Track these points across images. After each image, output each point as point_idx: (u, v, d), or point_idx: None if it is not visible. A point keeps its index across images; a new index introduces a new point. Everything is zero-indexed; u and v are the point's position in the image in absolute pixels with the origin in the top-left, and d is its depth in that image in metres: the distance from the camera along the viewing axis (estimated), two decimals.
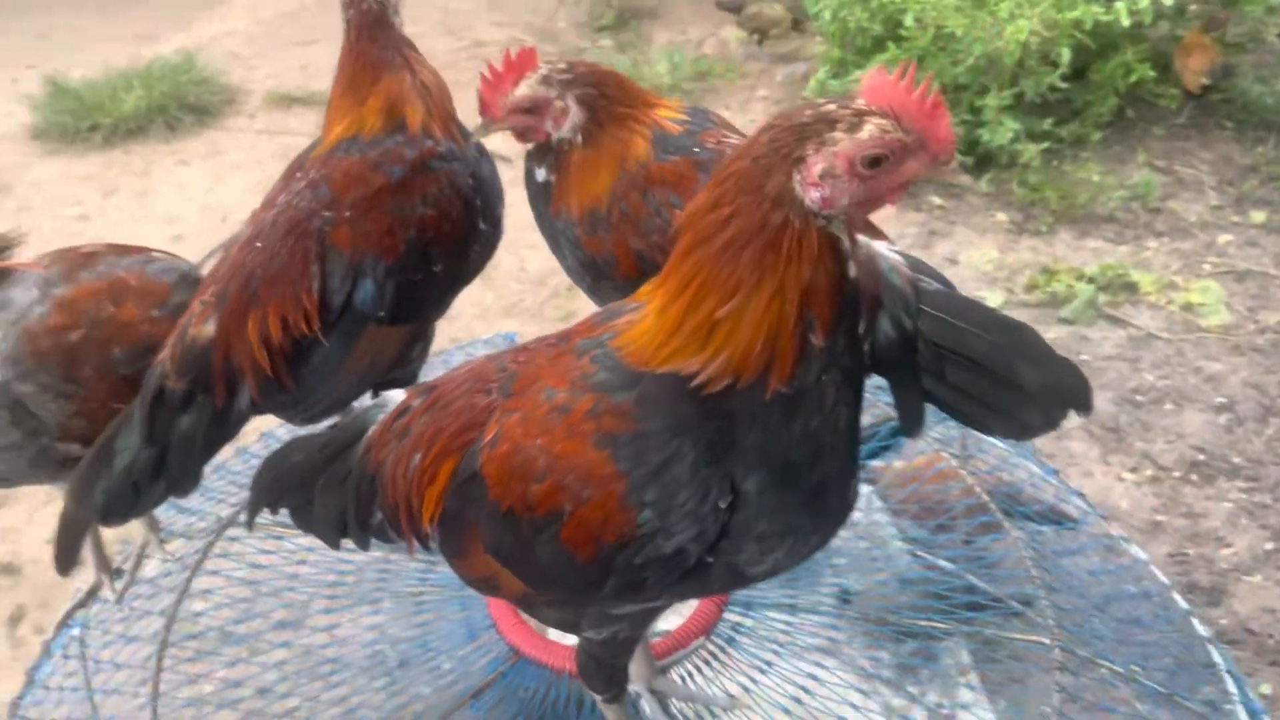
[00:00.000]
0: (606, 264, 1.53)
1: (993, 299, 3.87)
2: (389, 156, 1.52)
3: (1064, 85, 4.38)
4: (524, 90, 1.51)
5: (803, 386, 1.00)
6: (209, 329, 1.44)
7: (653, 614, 1.31)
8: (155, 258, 1.66)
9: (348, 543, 1.33)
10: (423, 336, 1.66)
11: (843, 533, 1.26)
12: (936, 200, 4.46)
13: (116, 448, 1.39)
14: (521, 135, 1.56)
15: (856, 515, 1.96)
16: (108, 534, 1.86)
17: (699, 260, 1.00)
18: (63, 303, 1.49)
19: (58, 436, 1.46)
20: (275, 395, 1.47)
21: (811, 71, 5.17)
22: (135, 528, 1.85)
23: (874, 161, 0.95)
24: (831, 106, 0.97)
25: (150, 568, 1.87)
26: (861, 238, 1.06)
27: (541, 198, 1.59)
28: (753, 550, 1.07)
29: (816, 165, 0.94)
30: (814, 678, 1.70)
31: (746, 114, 5.31)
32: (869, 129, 0.94)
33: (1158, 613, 1.80)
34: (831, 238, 0.97)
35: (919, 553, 1.97)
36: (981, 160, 4.44)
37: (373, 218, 1.48)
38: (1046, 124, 4.49)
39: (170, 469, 1.41)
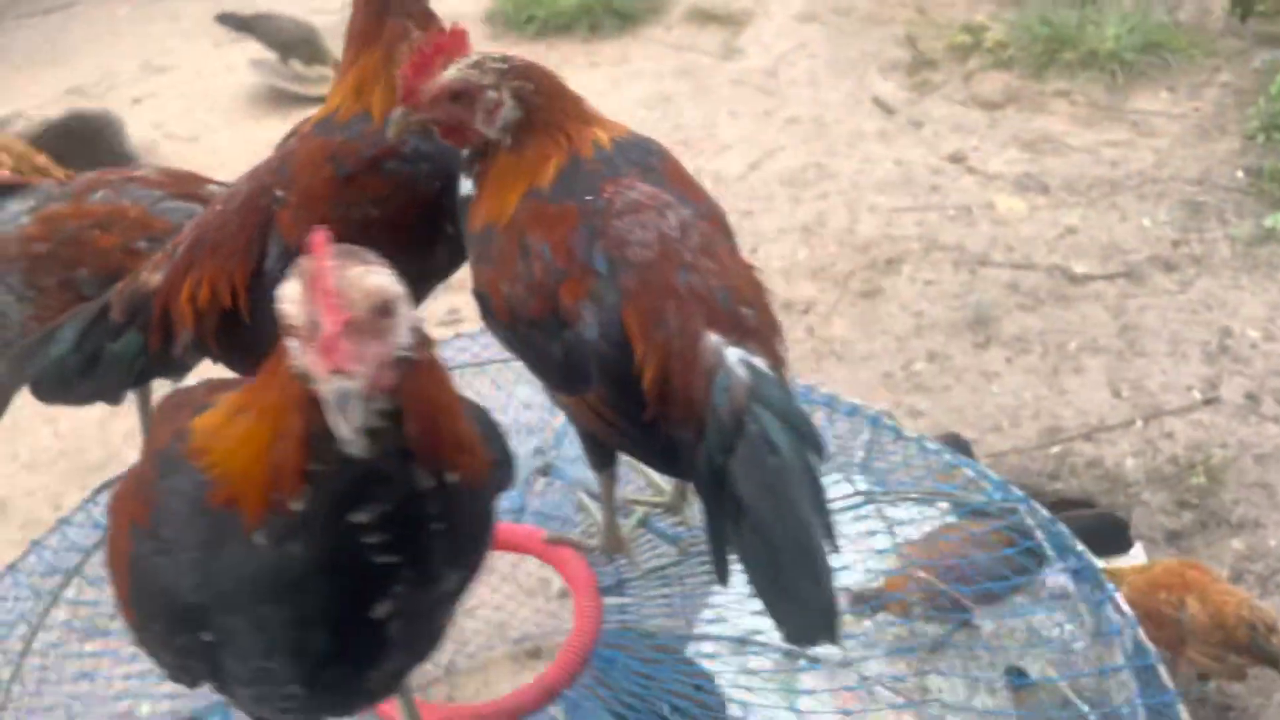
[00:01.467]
0: (482, 299, 1.38)
1: None
2: (344, 149, 1.45)
3: None
4: (454, 74, 1.32)
5: (274, 540, 0.94)
6: (156, 278, 1.48)
7: None
8: (170, 198, 1.71)
9: None
10: None
11: None
12: None
13: (57, 337, 1.47)
14: (448, 132, 1.36)
15: None
16: None
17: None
18: (44, 217, 1.65)
19: (20, 334, 1.62)
20: (204, 355, 1.48)
21: None
22: None
23: None
24: None
25: None
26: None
27: (464, 214, 1.42)
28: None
29: None
30: None
31: (1192, 101, 4.57)
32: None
33: None
34: (308, 393, 0.87)
35: None
36: None
37: (314, 208, 1.42)
38: None
39: (97, 378, 1.47)
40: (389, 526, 0.94)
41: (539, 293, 1.28)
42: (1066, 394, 3.29)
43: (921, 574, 1.99)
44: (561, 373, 1.32)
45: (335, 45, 5.51)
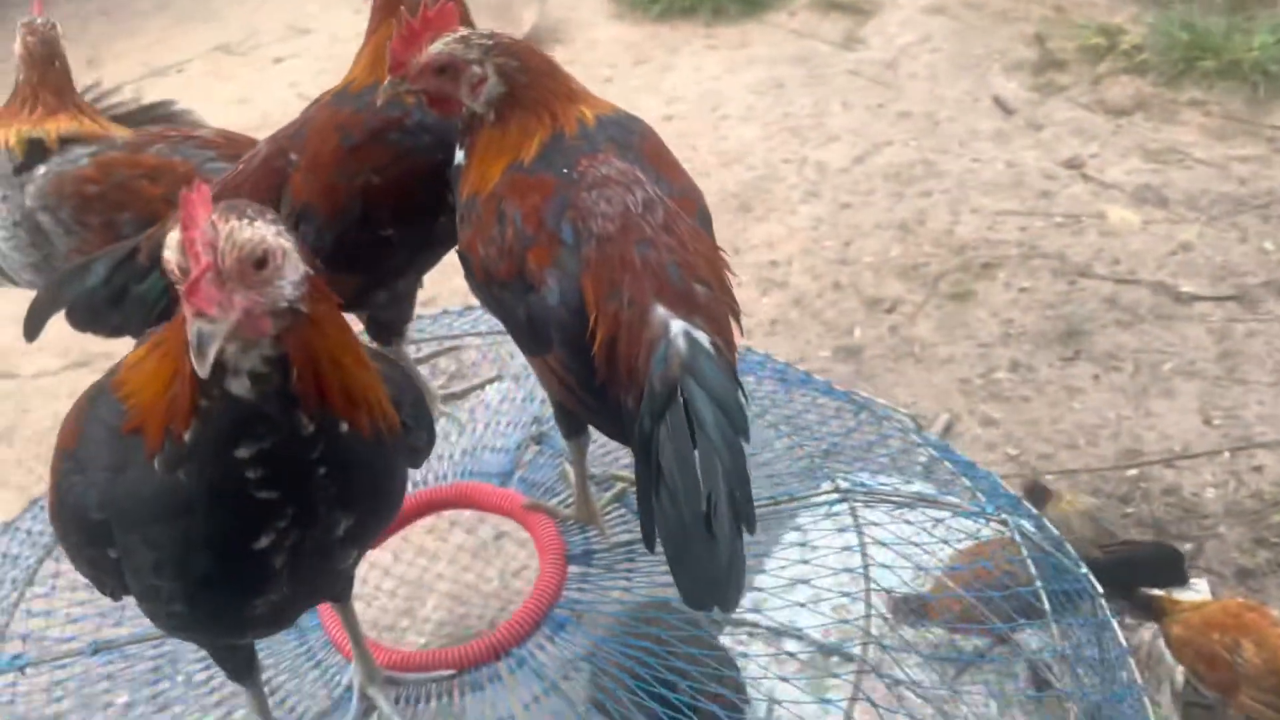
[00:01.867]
0: (464, 259, 1.45)
1: None
2: (352, 120, 1.52)
3: None
4: (439, 48, 1.38)
5: (167, 466, 1.02)
6: None
7: None
8: (220, 159, 1.83)
9: None
10: (384, 288, 1.65)
11: None
12: None
13: (91, 269, 1.57)
14: (435, 103, 1.43)
15: None
16: None
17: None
18: (101, 162, 1.80)
19: (63, 263, 1.77)
20: None
21: None
22: None
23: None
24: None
25: None
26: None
27: (456, 183, 1.47)
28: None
29: None
30: None
31: None
32: None
33: None
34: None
35: None
36: None
37: (319, 175, 1.51)
38: None
39: (123, 313, 1.57)
40: (269, 463, 1.01)
41: (509, 256, 1.34)
42: (1152, 416, 3.15)
43: (963, 585, 1.96)
44: (526, 333, 1.38)
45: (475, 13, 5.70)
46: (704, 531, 1.11)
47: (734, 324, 1.29)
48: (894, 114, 4.78)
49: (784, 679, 1.77)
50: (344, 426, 1.05)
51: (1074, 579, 1.64)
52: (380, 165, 1.52)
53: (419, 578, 2.79)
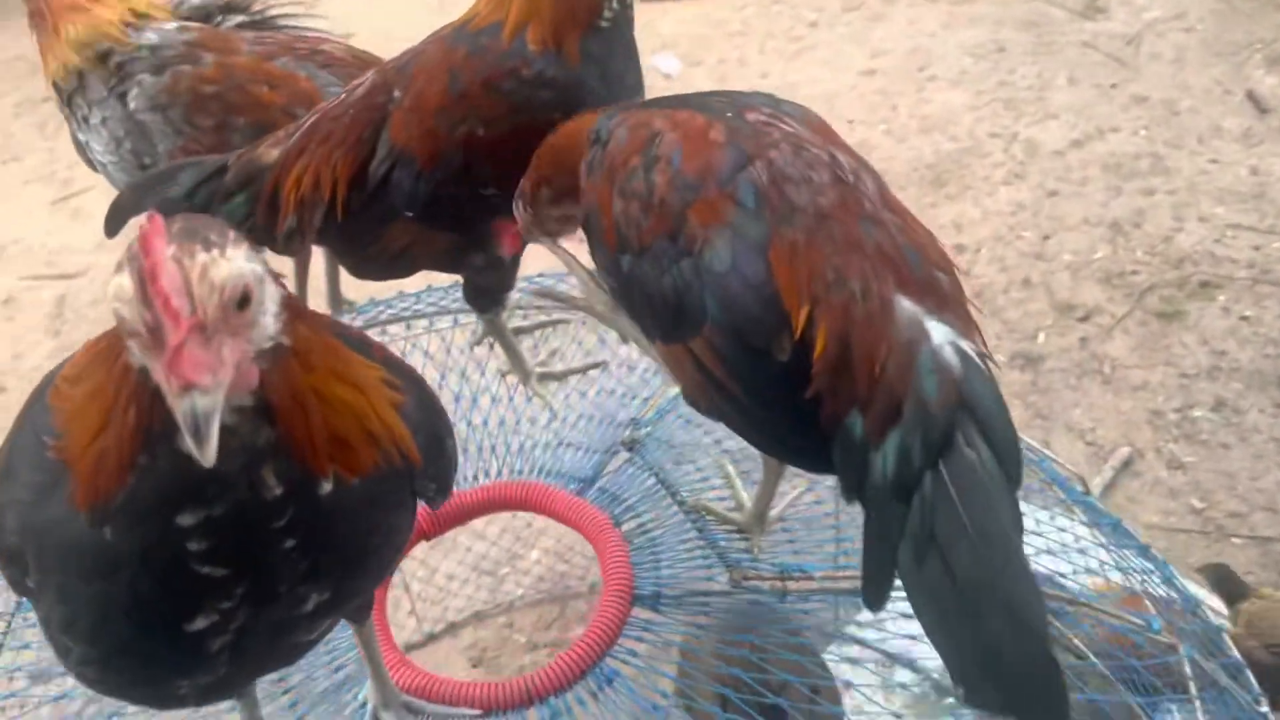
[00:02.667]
0: (588, 218, 1.26)
1: None
2: (464, 63, 1.36)
3: None
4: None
5: (91, 518, 0.82)
6: (274, 154, 1.46)
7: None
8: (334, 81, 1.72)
9: None
10: (481, 250, 1.50)
11: None
12: None
13: (177, 178, 1.47)
14: None
15: None
16: None
17: None
18: (223, 64, 1.69)
19: (159, 164, 1.68)
20: (292, 246, 1.48)
21: None
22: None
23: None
24: None
25: None
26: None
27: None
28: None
29: None
30: None
31: None
32: None
33: None
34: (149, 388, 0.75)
35: None
36: None
37: (423, 118, 1.37)
38: None
39: None
40: (217, 533, 0.80)
41: (659, 211, 1.09)
42: None
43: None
44: (668, 313, 1.12)
45: None
46: (1016, 625, 0.86)
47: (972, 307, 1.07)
48: (1127, 97, 4.27)
49: (894, 715, 1.55)
50: (325, 486, 0.83)
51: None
52: (489, 117, 1.35)
53: (525, 526, 2.71)
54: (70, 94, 1.73)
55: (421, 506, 1.09)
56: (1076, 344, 3.23)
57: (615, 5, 1.36)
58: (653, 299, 1.13)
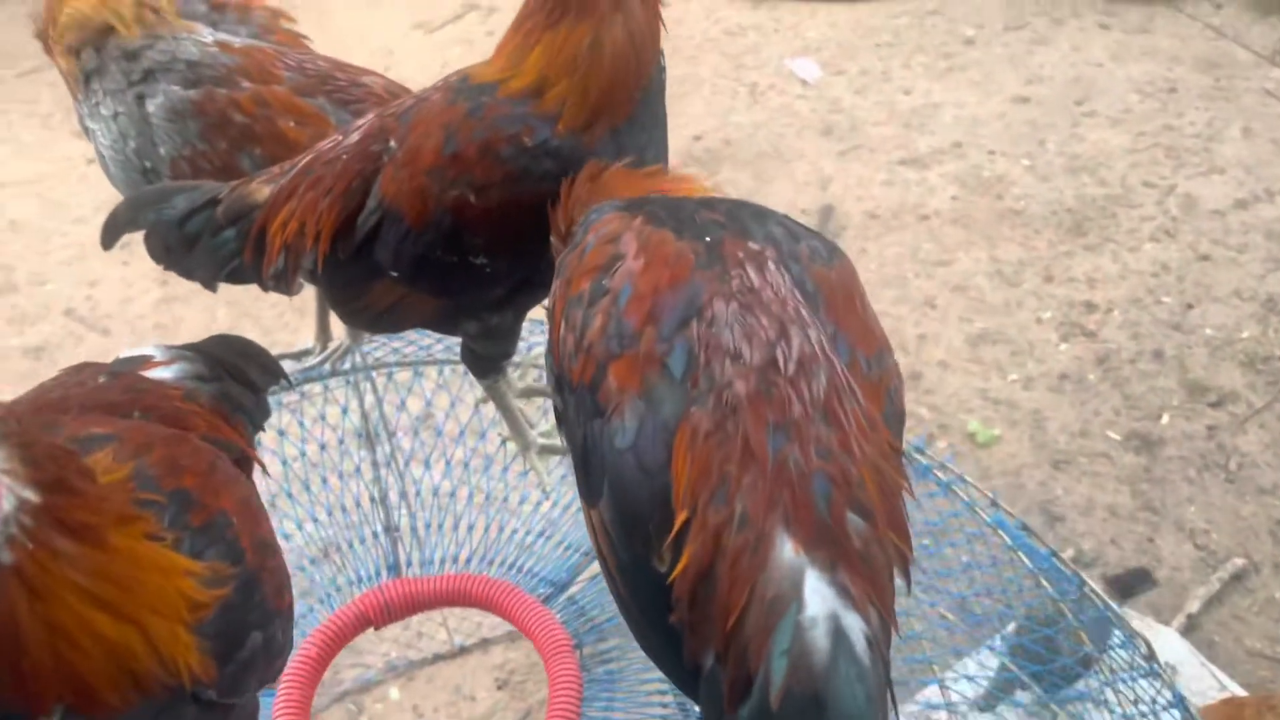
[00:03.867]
0: (549, 320, 1.10)
1: None
2: (464, 122, 1.24)
3: None
4: None
5: None
6: (265, 191, 1.39)
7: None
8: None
9: None
10: (474, 319, 1.40)
11: None
12: None
13: (171, 201, 1.41)
14: None
15: None
16: None
17: None
18: (259, 96, 1.64)
19: (158, 170, 1.66)
20: (281, 287, 1.41)
21: None
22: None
23: None
24: None
25: None
26: None
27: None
28: None
29: None
30: None
31: None
32: None
33: None
34: None
35: None
36: None
37: (411, 174, 1.27)
38: None
39: (192, 260, 1.43)
40: None
41: (586, 354, 0.95)
42: None
43: None
44: (578, 465, 0.97)
45: None
46: None
47: (900, 575, 0.85)
48: None
49: None
50: None
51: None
52: (481, 183, 1.23)
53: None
54: (89, 74, 1.69)
55: (374, 591, 1.00)
56: (1203, 432, 2.93)
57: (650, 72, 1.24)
58: (573, 443, 0.99)
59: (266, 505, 1.09)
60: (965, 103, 4.39)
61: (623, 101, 1.22)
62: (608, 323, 0.93)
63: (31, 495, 0.65)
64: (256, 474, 1.23)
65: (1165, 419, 2.98)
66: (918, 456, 1.50)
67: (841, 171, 4.06)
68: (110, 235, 1.45)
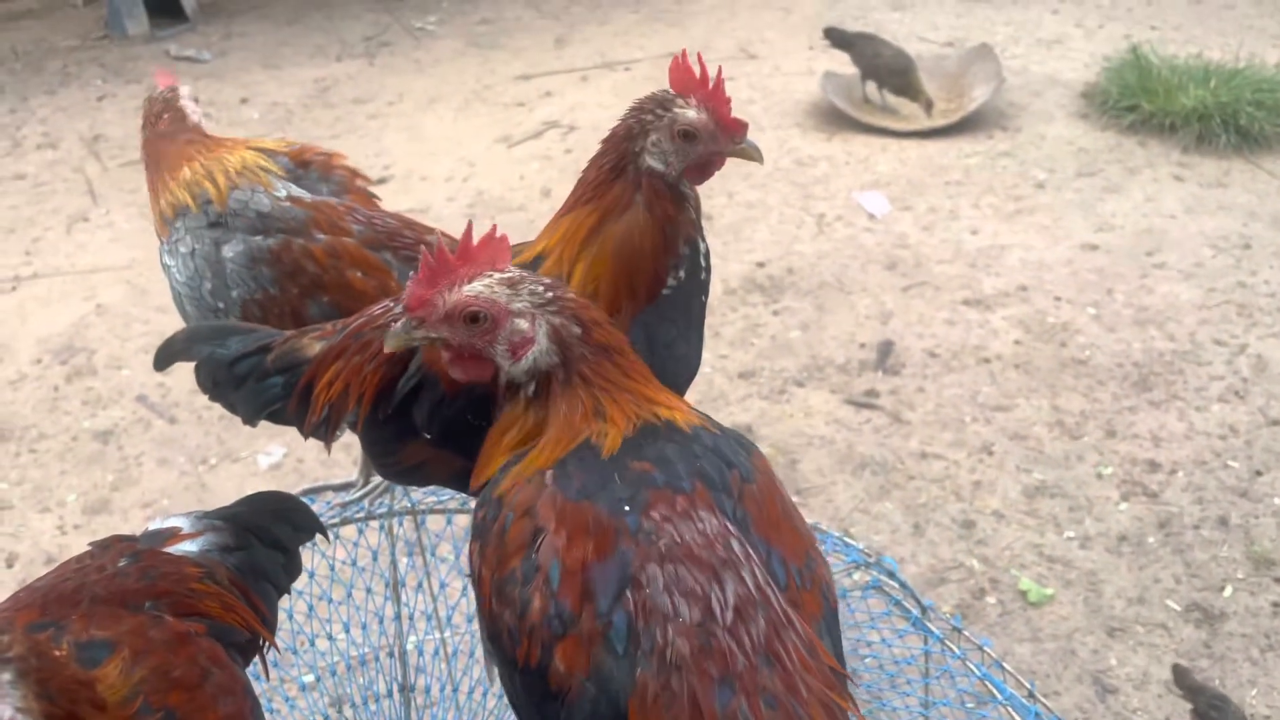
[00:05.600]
0: (474, 582, 1.09)
1: None
2: None
3: None
4: (477, 288, 1.07)
5: None
6: (315, 348, 1.44)
7: None
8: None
9: None
10: None
11: None
12: None
13: (227, 341, 1.48)
14: (458, 359, 1.10)
15: None
16: None
17: None
18: (331, 248, 1.73)
19: (235, 313, 1.74)
20: (320, 436, 1.44)
21: None
22: None
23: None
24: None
25: None
26: None
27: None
28: None
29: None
30: None
31: None
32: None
33: None
34: None
35: None
36: None
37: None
38: None
39: (239, 399, 1.47)
40: None
41: (530, 637, 0.96)
42: None
43: None
44: None
45: (926, 79, 5.34)
46: None
47: None
48: None
49: None
50: None
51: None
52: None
53: None
54: (176, 214, 1.79)
55: None
56: (1268, 608, 2.81)
57: (681, 275, 1.30)
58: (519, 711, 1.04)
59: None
60: (1033, 246, 4.39)
61: (640, 286, 1.28)
62: (546, 605, 0.96)
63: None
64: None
65: (1228, 591, 2.87)
66: (953, 645, 1.46)
67: (903, 307, 4.06)
68: (163, 359, 1.53)
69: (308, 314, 1.69)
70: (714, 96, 1.27)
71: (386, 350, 1.17)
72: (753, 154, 1.30)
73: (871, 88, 5.53)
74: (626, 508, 0.98)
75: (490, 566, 1.03)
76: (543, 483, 1.03)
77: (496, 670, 1.15)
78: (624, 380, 1.08)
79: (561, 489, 1.01)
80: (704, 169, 1.31)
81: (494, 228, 1.13)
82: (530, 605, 0.97)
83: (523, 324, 1.06)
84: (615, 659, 0.92)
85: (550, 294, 1.08)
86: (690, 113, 1.27)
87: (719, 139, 1.28)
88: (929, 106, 5.35)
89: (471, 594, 1.81)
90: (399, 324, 1.12)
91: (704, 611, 0.91)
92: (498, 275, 1.08)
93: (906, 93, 5.42)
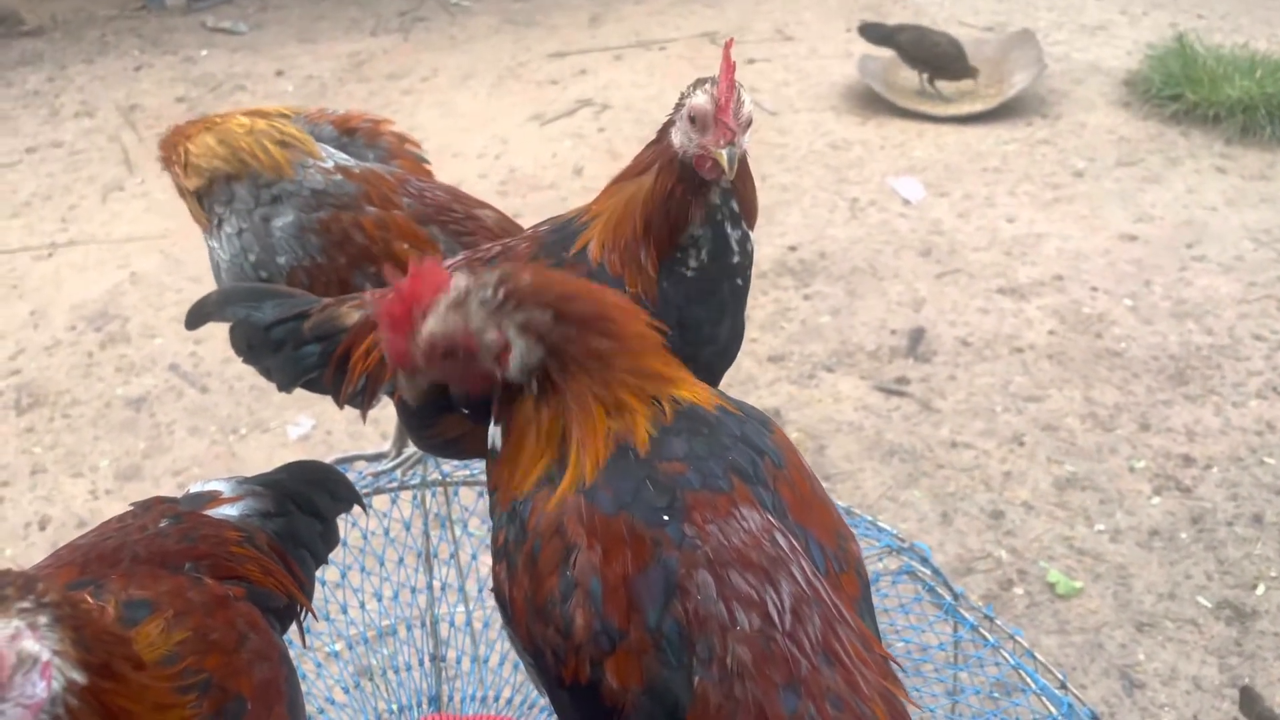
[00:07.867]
0: (503, 607, 1.05)
1: None
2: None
3: None
4: (434, 327, 1.03)
5: None
6: (353, 317, 1.43)
7: None
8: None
9: None
10: None
11: None
12: None
13: (263, 305, 1.46)
14: (466, 378, 1.08)
15: None
16: None
17: None
18: (381, 221, 1.72)
19: (272, 276, 1.73)
20: (356, 405, 1.43)
21: None
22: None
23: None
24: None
25: None
26: None
27: (489, 471, 1.14)
28: None
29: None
30: None
31: None
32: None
33: None
34: None
35: None
36: None
37: None
38: None
39: (273, 364, 1.47)
40: None
41: (576, 655, 0.94)
42: None
43: None
44: None
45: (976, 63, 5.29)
46: None
47: None
48: None
49: None
50: None
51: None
52: None
53: None
54: (214, 202, 1.78)
55: None
56: None
57: (704, 257, 1.30)
58: None
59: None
60: (1070, 235, 4.34)
61: (660, 236, 1.30)
62: (590, 621, 0.93)
63: (79, 677, 0.70)
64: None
65: (1261, 589, 2.83)
66: (986, 633, 1.45)
67: (937, 294, 4.02)
68: (196, 319, 1.53)
69: (355, 284, 1.69)
70: (722, 92, 1.25)
71: (409, 401, 1.15)
72: (724, 164, 1.24)
73: (922, 77, 5.46)
74: (665, 516, 0.95)
75: (522, 589, 1.00)
76: (567, 498, 0.99)
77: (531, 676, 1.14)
78: (619, 353, 1.03)
79: (590, 501, 0.98)
80: (700, 161, 1.27)
81: (427, 257, 1.10)
82: (574, 623, 0.94)
83: (490, 336, 1.03)
84: (670, 670, 0.90)
85: (499, 294, 1.03)
86: (697, 99, 1.25)
87: (708, 133, 1.25)
88: (977, 75, 5.33)
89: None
90: (401, 380, 1.11)
91: (762, 617, 0.89)
92: (445, 300, 1.03)
93: (963, 76, 5.37)
